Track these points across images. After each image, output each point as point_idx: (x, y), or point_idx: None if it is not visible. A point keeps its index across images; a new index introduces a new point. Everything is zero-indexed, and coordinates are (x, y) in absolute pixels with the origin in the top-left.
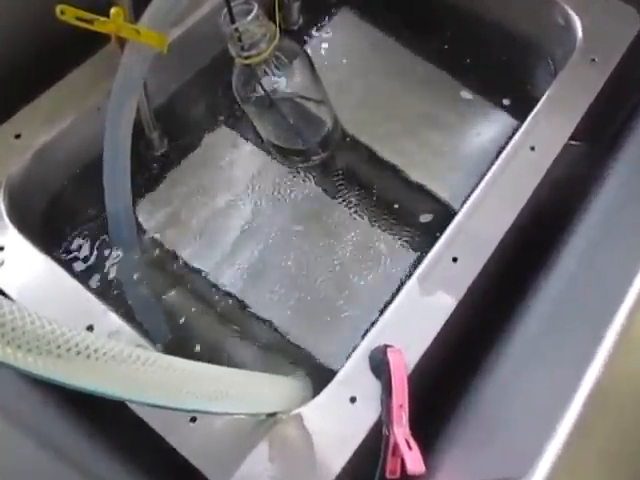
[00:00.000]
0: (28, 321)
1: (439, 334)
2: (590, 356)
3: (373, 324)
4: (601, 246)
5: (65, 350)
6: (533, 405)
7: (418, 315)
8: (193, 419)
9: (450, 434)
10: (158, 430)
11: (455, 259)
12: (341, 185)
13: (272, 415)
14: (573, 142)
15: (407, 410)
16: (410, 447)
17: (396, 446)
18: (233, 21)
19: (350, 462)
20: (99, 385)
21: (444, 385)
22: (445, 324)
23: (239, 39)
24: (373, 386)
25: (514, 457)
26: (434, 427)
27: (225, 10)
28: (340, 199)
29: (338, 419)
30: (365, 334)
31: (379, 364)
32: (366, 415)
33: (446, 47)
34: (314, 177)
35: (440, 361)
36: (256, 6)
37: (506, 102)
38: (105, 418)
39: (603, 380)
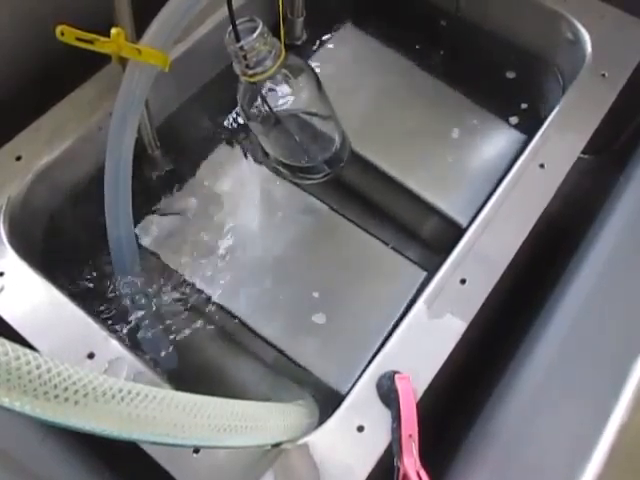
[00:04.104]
0: (23, 361)
1: (448, 358)
2: (619, 386)
3: (381, 345)
4: (619, 263)
5: (62, 390)
6: (559, 439)
7: (426, 339)
8: (196, 450)
9: (462, 464)
10: (160, 461)
11: (464, 280)
12: (346, 201)
13: (277, 445)
14: (580, 155)
15: (417, 440)
16: None
17: (406, 478)
18: (238, 39)
19: None
20: (98, 425)
21: (454, 411)
22: (454, 348)
23: (244, 57)
24: (381, 414)
25: None
26: (445, 455)
27: (230, 29)
28: (346, 216)
29: (345, 449)
30: (372, 355)
31: (387, 392)
32: (374, 445)
33: (452, 61)
34: (319, 193)
35: (450, 386)
36: (261, 23)
37: (514, 117)
38: (103, 448)
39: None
